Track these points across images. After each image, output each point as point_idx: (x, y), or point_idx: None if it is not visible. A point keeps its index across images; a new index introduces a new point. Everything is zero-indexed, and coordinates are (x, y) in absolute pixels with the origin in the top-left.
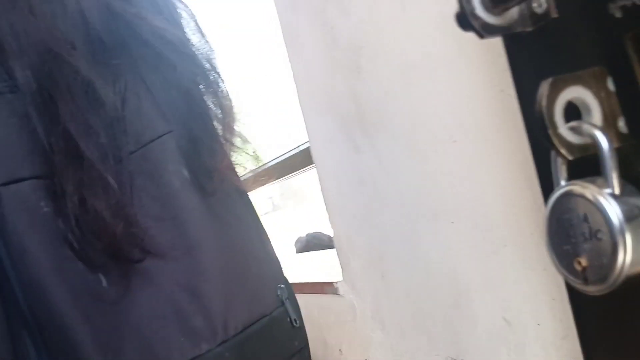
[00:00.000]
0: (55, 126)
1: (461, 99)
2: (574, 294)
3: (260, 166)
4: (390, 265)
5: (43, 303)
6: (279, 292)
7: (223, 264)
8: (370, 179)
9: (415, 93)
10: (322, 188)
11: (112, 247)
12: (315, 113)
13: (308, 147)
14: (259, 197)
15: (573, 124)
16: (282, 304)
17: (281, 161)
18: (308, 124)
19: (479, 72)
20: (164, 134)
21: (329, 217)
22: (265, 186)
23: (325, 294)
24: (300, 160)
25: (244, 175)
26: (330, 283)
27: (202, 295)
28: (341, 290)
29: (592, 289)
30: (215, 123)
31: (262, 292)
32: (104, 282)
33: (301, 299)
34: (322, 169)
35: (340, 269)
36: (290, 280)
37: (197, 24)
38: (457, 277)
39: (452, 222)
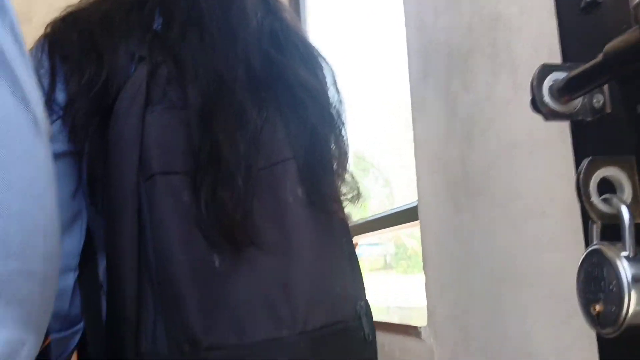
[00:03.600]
0: (208, 134)
1: (554, 177)
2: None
3: (369, 217)
4: (472, 319)
5: (168, 269)
6: (357, 308)
7: (313, 270)
8: (466, 238)
9: (516, 167)
10: (422, 239)
11: (229, 231)
12: (428, 172)
13: (414, 206)
14: (373, 254)
15: (606, 196)
16: (359, 318)
17: (388, 215)
18: (420, 181)
19: (571, 155)
20: (289, 159)
21: (424, 266)
22: (380, 245)
23: (409, 335)
24: (406, 217)
25: (352, 223)
26: (415, 327)
27: (291, 290)
28: (424, 335)
29: (603, 331)
30: (332, 160)
31: (342, 303)
32: (217, 263)
33: (385, 337)
34: (425, 222)
35: (427, 315)
36: (378, 319)
37: (334, 79)
38: (530, 341)
39: (531, 287)
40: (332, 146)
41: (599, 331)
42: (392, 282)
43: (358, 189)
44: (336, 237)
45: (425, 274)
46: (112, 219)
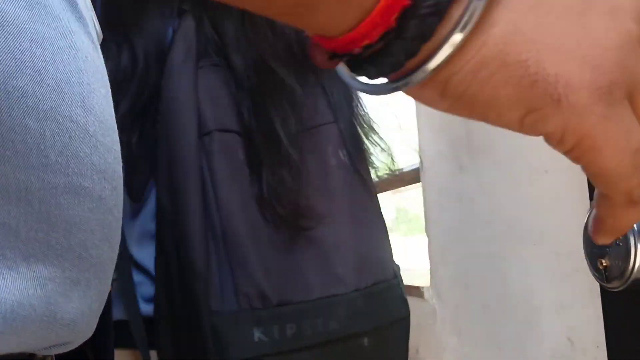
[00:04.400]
0: (261, 110)
1: None
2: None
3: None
4: (474, 278)
5: (232, 225)
6: (394, 267)
7: (360, 231)
8: (468, 197)
9: None
10: (424, 200)
11: (292, 215)
12: (430, 131)
13: (415, 168)
14: None
15: None
16: (397, 276)
17: (389, 177)
18: (421, 141)
19: None
20: (330, 122)
21: (426, 227)
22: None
23: (412, 296)
24: (408, 179)
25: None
26: (418, 287)
27: (344, 252)
28: (426, 295)
29: (610, 285)
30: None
31: (384, 263)
32: (272, 229)
33: None
34: (427, 183)
35: (429, 275)
36: None
37: None
38: (531, 296)
39: (534, 245)
40: (364, 112)
41: (606, 285)
42: (394, 244)
43: (391, 155)
44: (373, 199)
45: (427, 235)
46: (175, 176)
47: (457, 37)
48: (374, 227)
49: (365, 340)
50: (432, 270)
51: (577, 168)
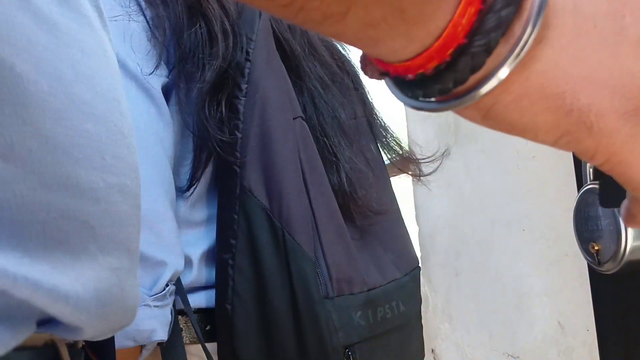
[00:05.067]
0: (320, 94)
1: None
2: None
3: None
4: (464, 264)
5: (319, 213)
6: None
7: (399, 219)
8: (457, 184)
9: None
10: (413, 189)
11: (361, 209)
12: (419, 121)
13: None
14: None
15: None
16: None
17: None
18: (410, 128)
19: None
20: (361, 117)
21: (416, 215)
22: None
23: None
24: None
25: None
26: None
27: (393, 239)
28: None
29: (602, 268)
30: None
31: (414, 250)
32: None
33: None
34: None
35: (420, 262)
36: None
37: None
38: (521, 281)
39: (523, 230)
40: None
41: (598, 269)
42: None
43: (402, 147)
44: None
45: (417, 222)
46: (270, 157)
47: (503, 72)
48: (401, 215)
49: (414, 321)
50: (422, 258)
51: (564, 154)
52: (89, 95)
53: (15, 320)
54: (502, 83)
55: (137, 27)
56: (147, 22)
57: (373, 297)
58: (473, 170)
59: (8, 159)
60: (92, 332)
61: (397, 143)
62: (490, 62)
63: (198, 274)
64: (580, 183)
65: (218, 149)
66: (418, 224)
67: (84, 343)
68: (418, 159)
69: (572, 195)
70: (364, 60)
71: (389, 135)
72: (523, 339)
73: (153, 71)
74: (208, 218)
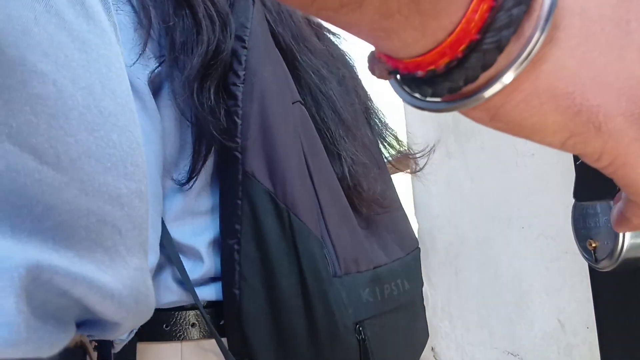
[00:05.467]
0: (314, 82)
1: None
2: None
3: None
4: (464, 263)
5: (323, 195)
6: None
7: (403, 210)
8: (456, 182)
9: None
10: (413, 187)
11: (368, 201)
12: (418, 119)
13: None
14: None
15: None
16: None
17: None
18: (409, 128)
19: None
20: (355, 103)
21: (415, 213)
22: None
23: None
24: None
25: None
26: None
27: (395, 223)
28: None
29: (600, 265)
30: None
31: (414, 233)
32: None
33: None
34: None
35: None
36: None
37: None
38: (521, 279)
39: (523, 228)
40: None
41: (595, 266)
42: None
43: (399, 141)
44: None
45: (416, 220)
46: (272, 141)
47: (513, 72)
48: (402, 205)
49: (418, 301)
50: (422, 256)
51: (563, 152)
52: (113, 108)
53: (67, 320)
54: (513, 82)
55: (123, 19)
56: (135, 10)
57: (379, 274)
58: (472, 168)
59: (56, 168)
60: (127, 328)
61: (394, 137)
62: (501, 61)
63: (208, 264)
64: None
65: (218, 136)
66: (418, 221)
67: (96, 344)
68: (415, 154)
69: (571, 193)
70: (372, 58)
71: (385, 130)
72: (523, 337)
73: (136, 60)
74: (213, 207)
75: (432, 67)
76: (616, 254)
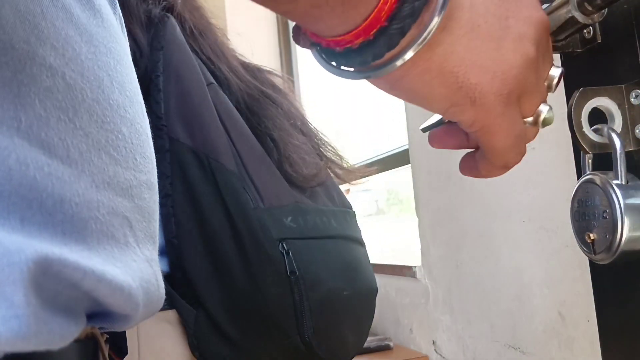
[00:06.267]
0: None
1: None
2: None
3: (363, 162)
4: (465, 256)
5: (245, 148)
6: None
7: (338, 188)
8: (457, 176)
9: None
10: (413, 181)
11: (305, 182)
12: (418, 112)
13: (405, 150)
14: (365, 199)
15: (597, 126)
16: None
17: (380, 159)
18: (409, 124)
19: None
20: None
21: (416, 207)
22: (372, 190)
23: (404, 276)
24: (397, 160)
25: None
26: (410, 267)
27: (328, 190)
28: (418, 275)
29: (598, 258)
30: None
31: (348, 202)
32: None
33: (381, 279)
34: (416, 164)
35: (420, 255)
36: (373, 261)
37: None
38: (521, 272)
39: (523, 222)
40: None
41: (593, 258)
42: (386, 226)
43: (341, 156)
44: None
45: (417, 215)
46: (192, 114)
47: (411, 52)
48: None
49: (354, 242)
50: (423, 250)
51: (564, 144)
52: (122, 100)
53: (77, 313)
54: (411, 59)
55: None
56: None
57: (303, 208)
58: None
59: (65, 162)
60: (138, 320)
61: (334, 153)
62: (403, 42)
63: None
64: (579, 174)
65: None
66: (418, 215)
67: (107, 336)
68: (355, 170)
69: (571, 186)
70: (297, 31)
71: (325, 145)
72: (524, 330)
73: None
74: None
75: (348, 45)
76: (614, 247)
